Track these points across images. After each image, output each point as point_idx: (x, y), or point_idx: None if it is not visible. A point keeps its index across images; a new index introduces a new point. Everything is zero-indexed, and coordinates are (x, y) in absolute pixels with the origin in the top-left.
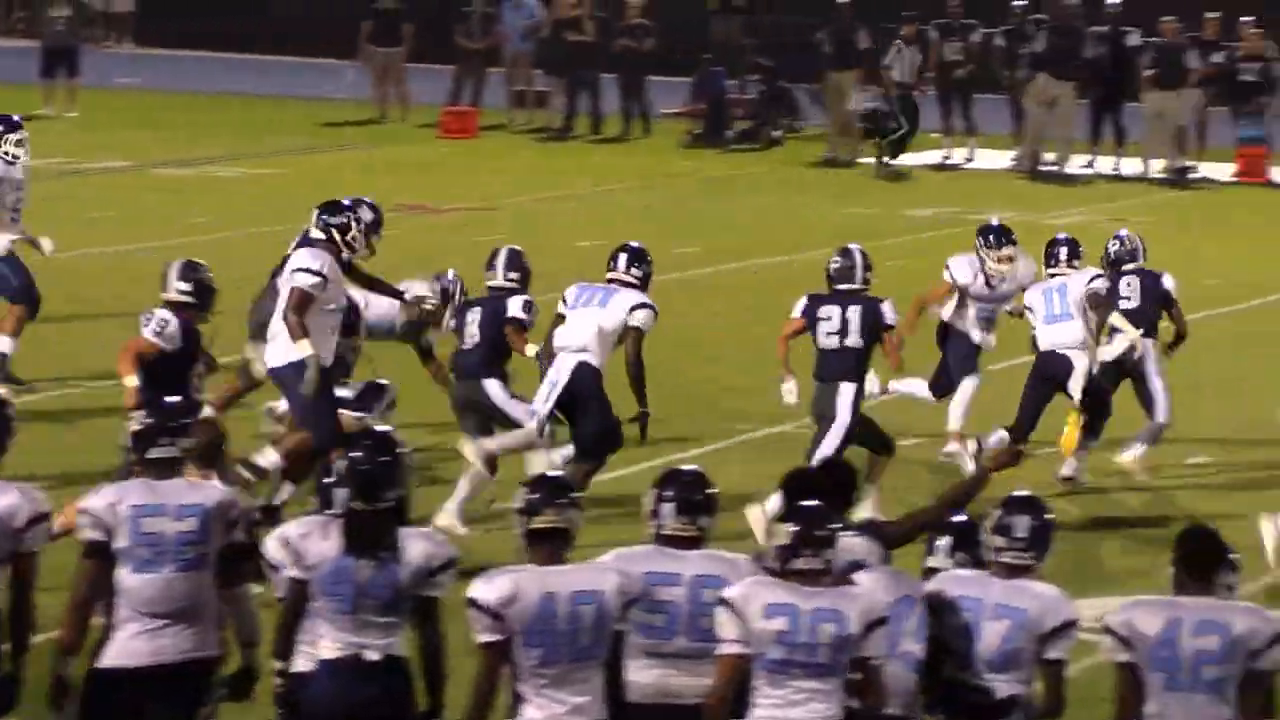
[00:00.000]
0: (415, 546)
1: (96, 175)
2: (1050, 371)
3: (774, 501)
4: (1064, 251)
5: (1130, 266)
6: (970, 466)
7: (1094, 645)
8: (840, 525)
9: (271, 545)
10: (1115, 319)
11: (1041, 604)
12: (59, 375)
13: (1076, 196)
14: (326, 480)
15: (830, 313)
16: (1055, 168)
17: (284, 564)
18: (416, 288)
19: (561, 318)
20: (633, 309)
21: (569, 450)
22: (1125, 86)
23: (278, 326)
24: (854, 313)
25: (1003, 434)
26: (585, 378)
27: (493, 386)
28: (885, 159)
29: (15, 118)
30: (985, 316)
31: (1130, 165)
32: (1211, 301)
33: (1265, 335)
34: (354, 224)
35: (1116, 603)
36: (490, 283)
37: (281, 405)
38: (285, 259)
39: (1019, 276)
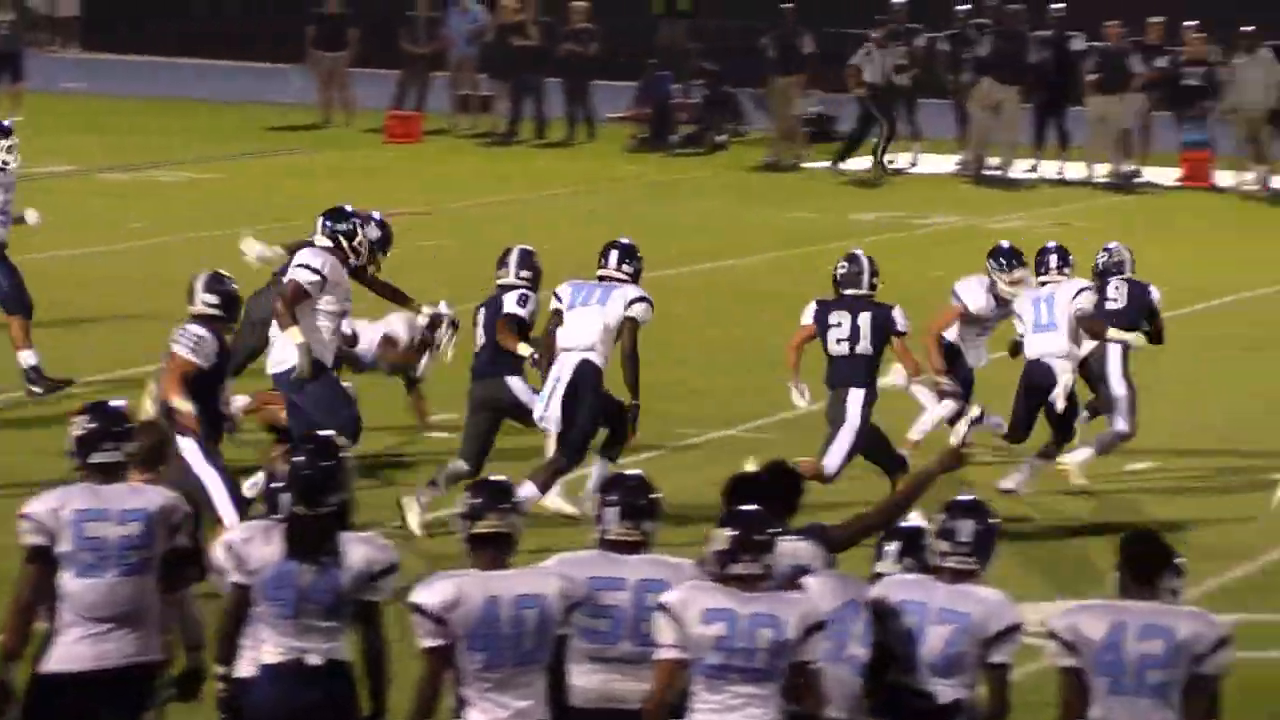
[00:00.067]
0: (357, 551)
1: (42, 180)
2: (1037, 380)
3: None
4: (1054, 259)
5: (1117, 278)
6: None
7: (1038, 649)
8: (781, 530)
9: (216, 550)
10: (1113, 333)
11: (985, 608)
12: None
13: (1020, 201)
14: (274, 485)
15: (840, 319)
16: (999, 172)
17: (226, 569)
18: (395, 323)
19: (559, 316)
20: (631, 303)
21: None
22: (1069, 91)
23: (281, 336)
24: (864, 319)
25: (998, 420)
26: (587, 375)
27: (516, 384)
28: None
29: (5, 123)
30: (981, 334)
31: (1074, 170)
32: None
33: (1209, 339)
34: (359, 230)
35: (1061, 607)
36: (501, 281)
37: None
38: (286, 266)
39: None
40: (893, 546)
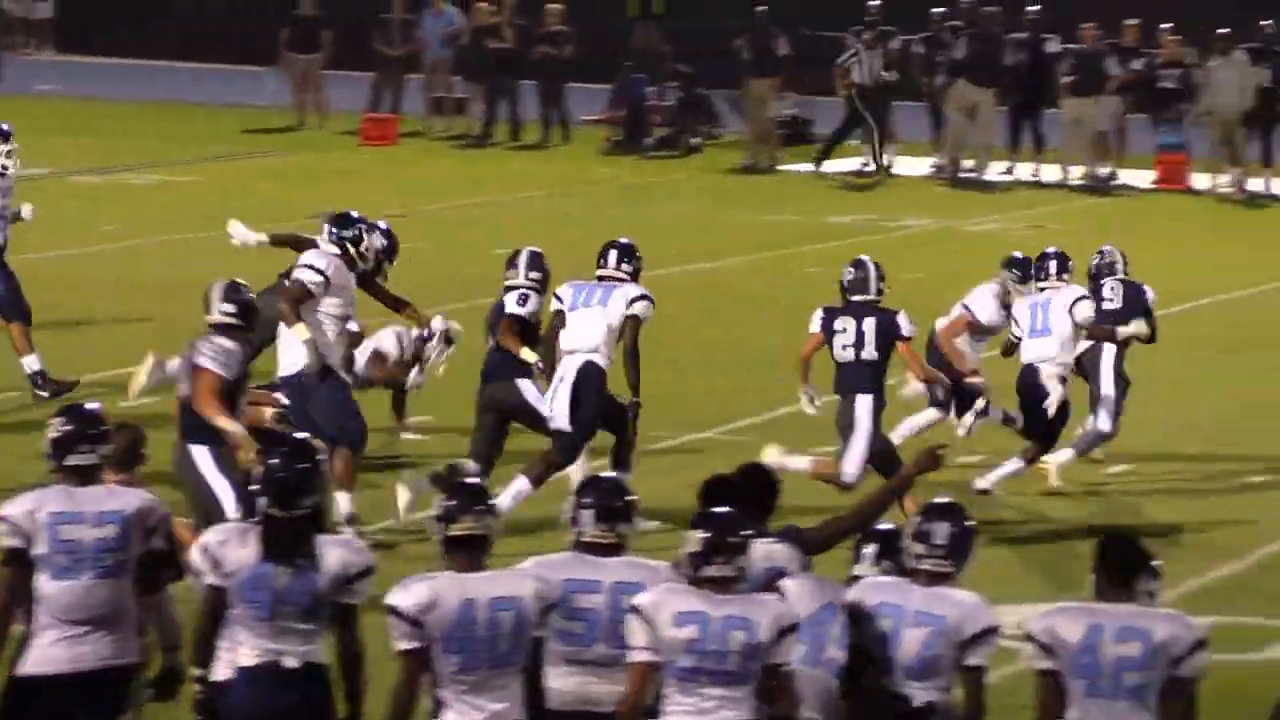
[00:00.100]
0: (333, 554)
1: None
2: (1031, 385)
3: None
4: (1053, 265)
5: (1112, 279)
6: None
7: (1015, 652)
8: (755, 532)
9: (193, 552)
10: (1124, 330)
11: (961, 611)
12: None
13: (995, 203)
14: (251, 488)
15: (845, 325)
16: (974, 174)
17: (202, 571)
18: (385, 339)
19: (561, 317)
20: (632, 300)
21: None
22: (1044, 93)
23: (288, 337)
24: (869, 325)
25: (1000, 414)
26: (590, 376)
27: (526, 386)
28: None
29: (5, 127)
30: (982, 339)
31: (1049, 172)
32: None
33: (1184, 340)
34: (365, 235)
35: (1037, 609)
36: (510, 282)
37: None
38: (292, 267)
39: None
40: (870, 549)
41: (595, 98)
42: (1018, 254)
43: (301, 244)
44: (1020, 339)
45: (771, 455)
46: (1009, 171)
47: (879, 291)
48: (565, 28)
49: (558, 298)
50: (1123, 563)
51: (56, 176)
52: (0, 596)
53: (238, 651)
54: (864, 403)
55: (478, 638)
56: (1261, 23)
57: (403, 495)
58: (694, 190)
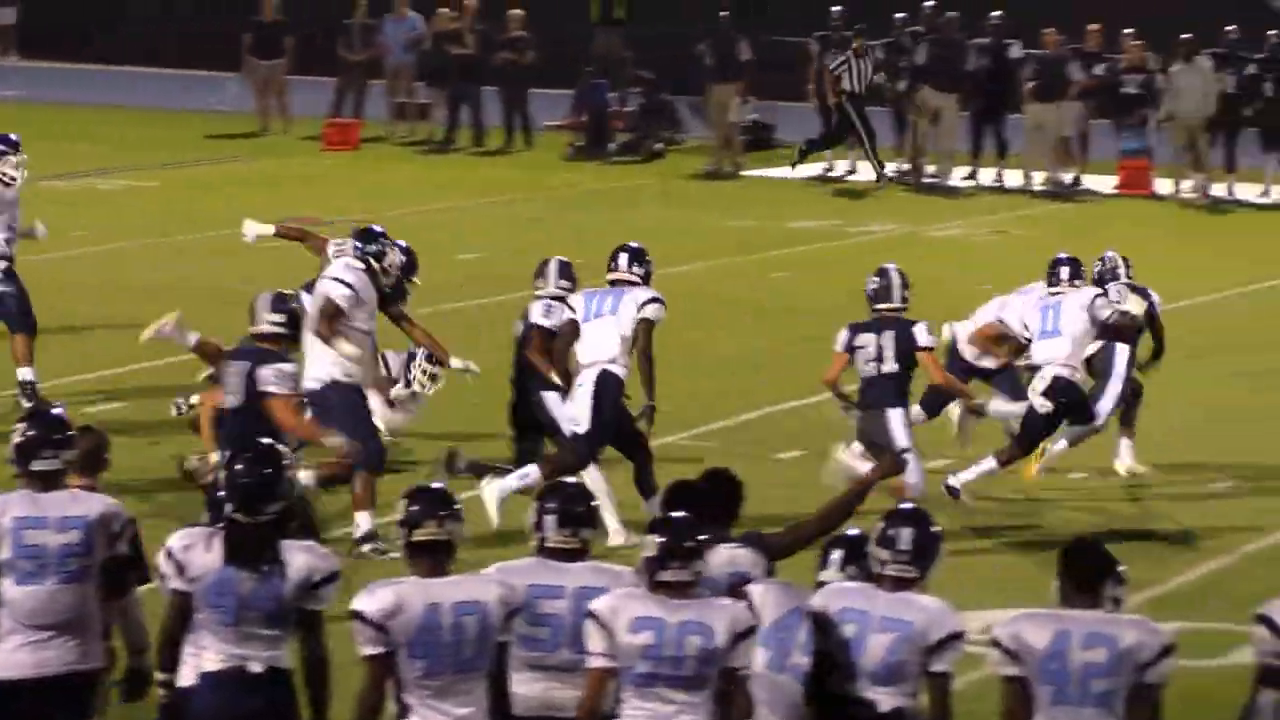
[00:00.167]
0: (298, 559)
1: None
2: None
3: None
4: (1065, 271)
5: (1113, 284)
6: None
7: (981, 658)
8: (712, 537)
9: (159, 557)
10: (1131, 303)
11: (927, 616)
12: None
13: (959, 209)
14: (220, 494)
15: (866, 340)
16: (937, 180)
17: (167, 575)
18: (391, 359)
19: (575, 327)
20: (643, 304)
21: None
22: (1007, 99)
23: (315, 348)
24: (887, 338)
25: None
26: (609, 386)
27: (550, 399)
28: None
29: (14, 138)
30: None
31: (1012, 177)
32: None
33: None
34: (389, 250)
35: (1003, 615)
36: (539, 291)
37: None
38: (312, 281)
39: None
40: (837, 554)
41: (558, 103)
42: (1062, 254)
43: (307, 239)
44: (1029, 340)
45: (843, 458)
46: (972, 177)
47: (903, 299)
48: (527, 33)
49: (570, 308)
50: (1088, 569)
51: (25, 182)
52: None
53: (203, 656)
54: (895, 416)
55: (443, 642)
56: (1226, 28)
57: (491, 503)
58: (657, 196)
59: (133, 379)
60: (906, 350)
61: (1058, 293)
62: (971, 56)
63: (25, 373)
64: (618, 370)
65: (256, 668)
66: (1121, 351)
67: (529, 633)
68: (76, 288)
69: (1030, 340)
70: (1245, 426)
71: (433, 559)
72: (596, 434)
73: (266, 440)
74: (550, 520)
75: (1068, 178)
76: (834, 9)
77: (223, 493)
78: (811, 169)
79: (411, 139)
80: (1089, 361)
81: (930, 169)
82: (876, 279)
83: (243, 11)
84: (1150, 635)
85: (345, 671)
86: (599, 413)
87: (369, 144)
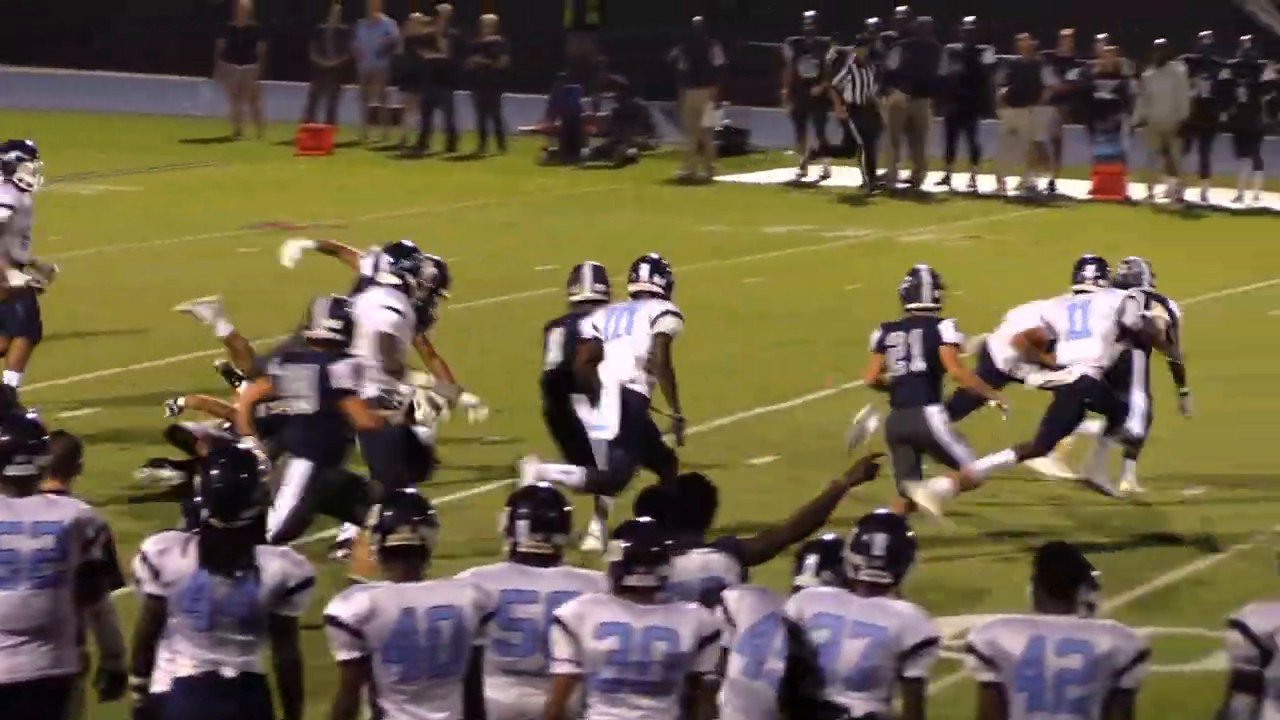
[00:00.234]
0: (273, 565)
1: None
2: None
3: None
4: (1091, 270)
5: (1135, 290)
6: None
7: (955, 663)
8: (694, 543)
9: (134, 561)
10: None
11: (901, 622)
12: None
13: (932, 214)
14: (195, 500)
15: (896, 339)
16: (910, 185)
17: (142, 579)
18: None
19: (599, 344)
20: (656, 318)
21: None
22: (980, 104)
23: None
24: (915, 337)
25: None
26: (633, 404)
27: (579, 404)
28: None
29: (31, 144)
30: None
31: (986, 182)
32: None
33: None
34: (422, 264)
35: (978, 621)
36: (575, 297)
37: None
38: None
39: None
40: (812, 559)
41: (531, 108)
42: (1088, 254)
43: (340, 253)
44: (1055, 341)
45: (938, 487)
46: (945, 182)
47: (934, 299)
48: (500, 38)
49: (594, 326)
50: (1062, 574)
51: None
52: None
53: (176, 661)
54: (933, 413)
55: (418, 647)
56: (1200, 33)
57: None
58: (630, 200)
59: (109, 386)
60: (933, 348)
61: (1083, 291)
62: (945, 61)
63: (12, 376)
64: (639, 389)
65: (230, 673)
66: (1139, 358)
67: (502, 637)
68: (69, 290)
69: (1054, 341)
70: (1219, 431)
71: (407, 564)
72: (629, 450)
73: (243, 445)
74: (522, 525)
75: (1042, 183)
76: (807, 14)
77: (198, 499)
78: (783, 174)
79: (385, 144)
80: (1105, 372)
81: (903, 174)
82: (908, 278)
83: (216, 16)
84: (1125, 640)
85: (319, 676)
86: (630, 427)
87: (342, 149)
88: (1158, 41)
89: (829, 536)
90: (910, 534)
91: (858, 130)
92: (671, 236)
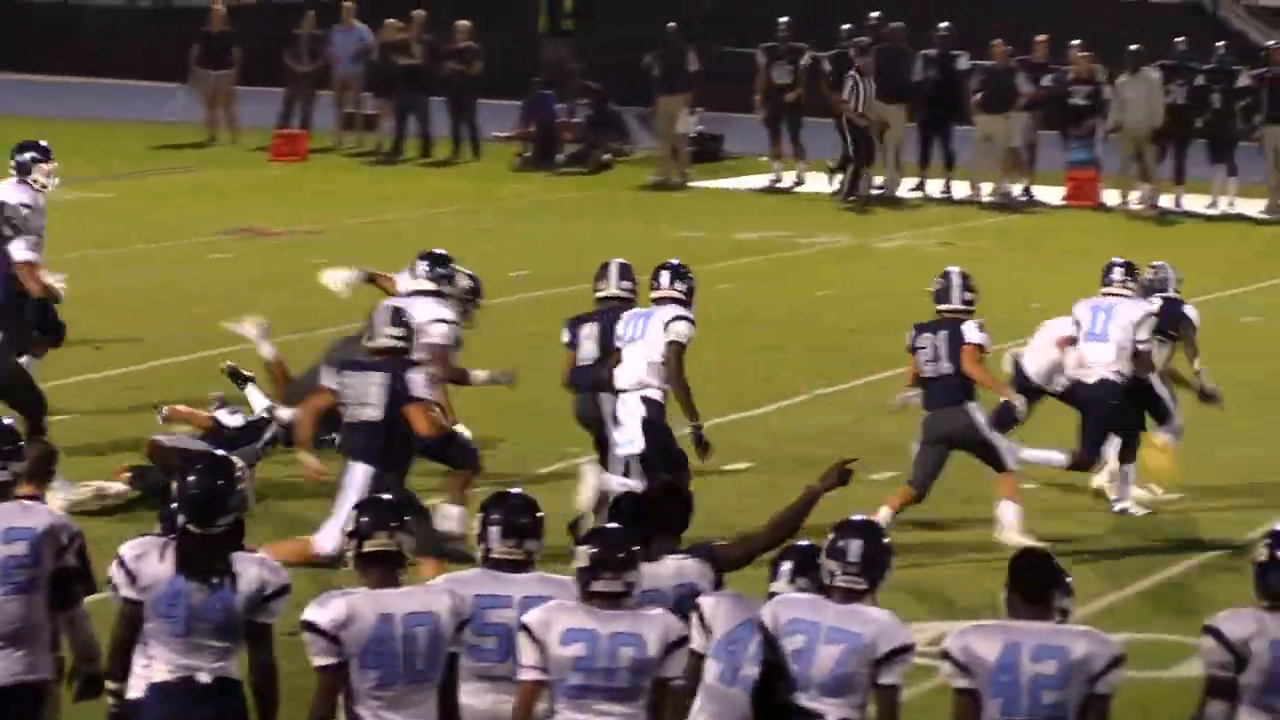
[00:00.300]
0: (250, 572)
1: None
2: (1081, 394)
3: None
4: (1118, 273)
5: (1160, 296)
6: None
7: (930, 669)
8: (669, 549)
9: (111, 565)
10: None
11: (876, 628)
12: None
13: (906, 220)
14: (172, 505)
15: (925, 341)
16: (885, 191)
17: (119, 584)
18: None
19: (619, 352)
20: (668, 324)
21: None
22: (955, 110)
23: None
24: (942, 338)
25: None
26: (653, 416)
27: (606, 402)
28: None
29: (45, 145)
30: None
31: (960, 188)
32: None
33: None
34: (457, 275)
35: (953, 627)
36: (602, 294)
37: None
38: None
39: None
40: (787, 565)
41: (505, 114)
42: (1117, 258)
43: (378, 279)
44: (1079, 342)
45: (1009, 516)
46: (919, 188)
47: (965, 301)
48: (474, 44)
49: (619, 335)
50: (1036, 580)
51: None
52: None
53: (152, 667)
54: (974, 408)
55: (394, 653)
56: (1175, 39)
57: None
58: (606, 206)
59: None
60: (959, 349)
61: (1111, 293)
62: (919, 67)
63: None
64: (654, 395)
65: (205, 678)
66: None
67: (476, 643)
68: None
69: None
70: (1192, 438)
71: (382, 570)
72: (658, 461)
73: (220, 452)
74: (494, 531)
75: (1016, 189)
76: (781, 20)
77: (175, 504)
78: (757, 180)
79: (359, 149)
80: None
81: (878, 180)
82: (939, 280)
83: (191, 22)
84: (1100, 646)
85: (294, 682)
86: (654, 439)
87: (317, 154)
88: (1132, 48)
89: (804, 543)
90: (886, 540)
91: (852, 142)
92: (646, 242)
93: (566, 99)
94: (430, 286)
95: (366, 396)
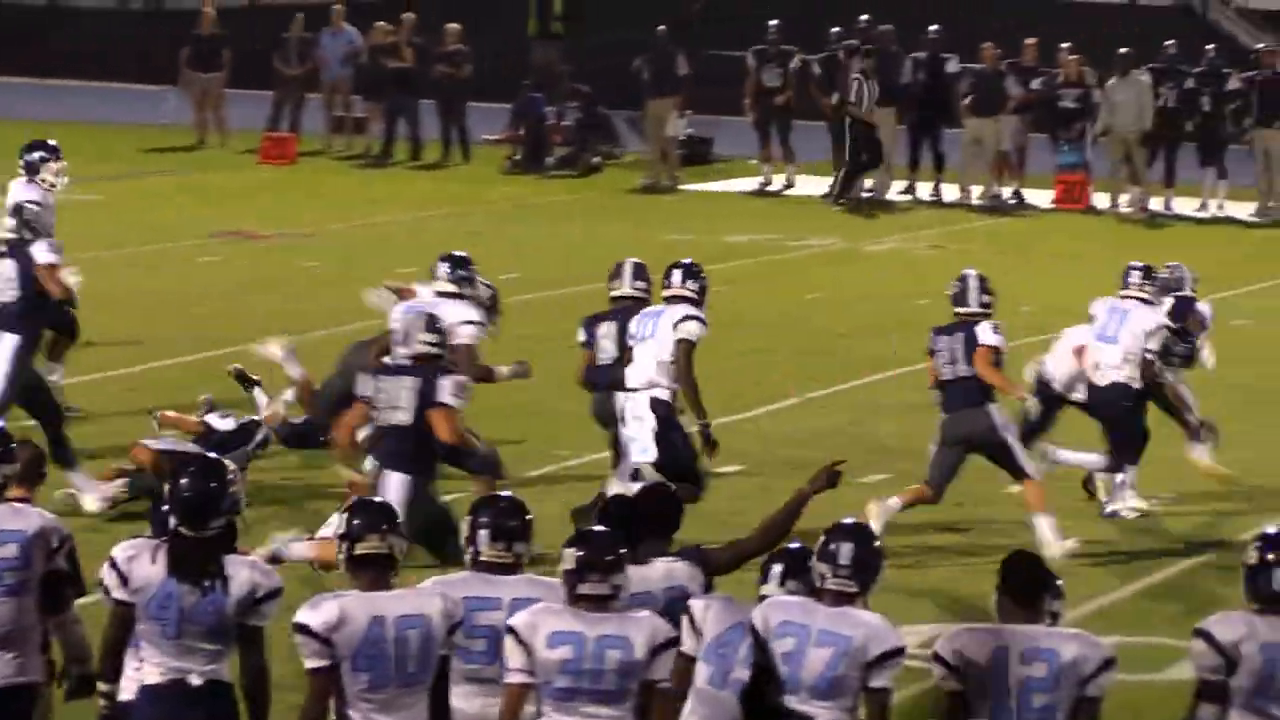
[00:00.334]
0: (241, 574)
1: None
2: (1103, 399)
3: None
4: (1136, 276)
5: (1174, 295)
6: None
7: (921, 672)
8: (659, 552)
9: (103, 567)
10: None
11: (867, 631)
12: None
13: (896, 223)
14: (163, 507)
15: (942, 344)
16: (874, 194)
17: (110, 586)
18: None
19: (630, 351)
20: (677, 323)
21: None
22: (944, 113)
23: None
24: (958, 340)
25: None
26: (661, 412)
27: (621, 401)
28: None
29: (54, 143)
30: None
31: (950, 192)
32: (1025, 329)
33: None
34: (476, 276)
35: (944, 630)
36: (615, 293)
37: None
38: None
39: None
40: (777, 568)
41: (495, 117)
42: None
43: (402, 294)
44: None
45: (1048, 533)
46: (909, 191)
47: (982, 305)
48: (464, 47)
49: (630, 334)
50: (1026, 582)
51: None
52: None
53: (143, 668)
54: (994, 410)
55: (386, 655)
56: (1165, 43)
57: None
58: (596, 210)
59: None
60: (974, 351)
61: (1129, 296)
62: (908, 70)
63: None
64: (661, 394)
65: (196, 681)
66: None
67: (464, 645)
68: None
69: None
70: (1181, 441)
71: (374, 572)
72: (673, 464)
73: (212, 455)
74: (483, 535)
75: (1006, 192)
76: (771, 23)
77: (165, 506)
78: (747, 183)
79: (349, 152)
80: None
81: (867, 183)
82: (955, 283)
83: (180, 24)
84: (1091, 648)
85: (284, 685)
86: (668, 443)
87: (306, 157)
88: (1121, 51)
89: (794, 545)
90: (877, 543)
91: (851, 142)
92: (635, 246)
93: (556, 102)
94: (452, 289)
95: (398, 400)
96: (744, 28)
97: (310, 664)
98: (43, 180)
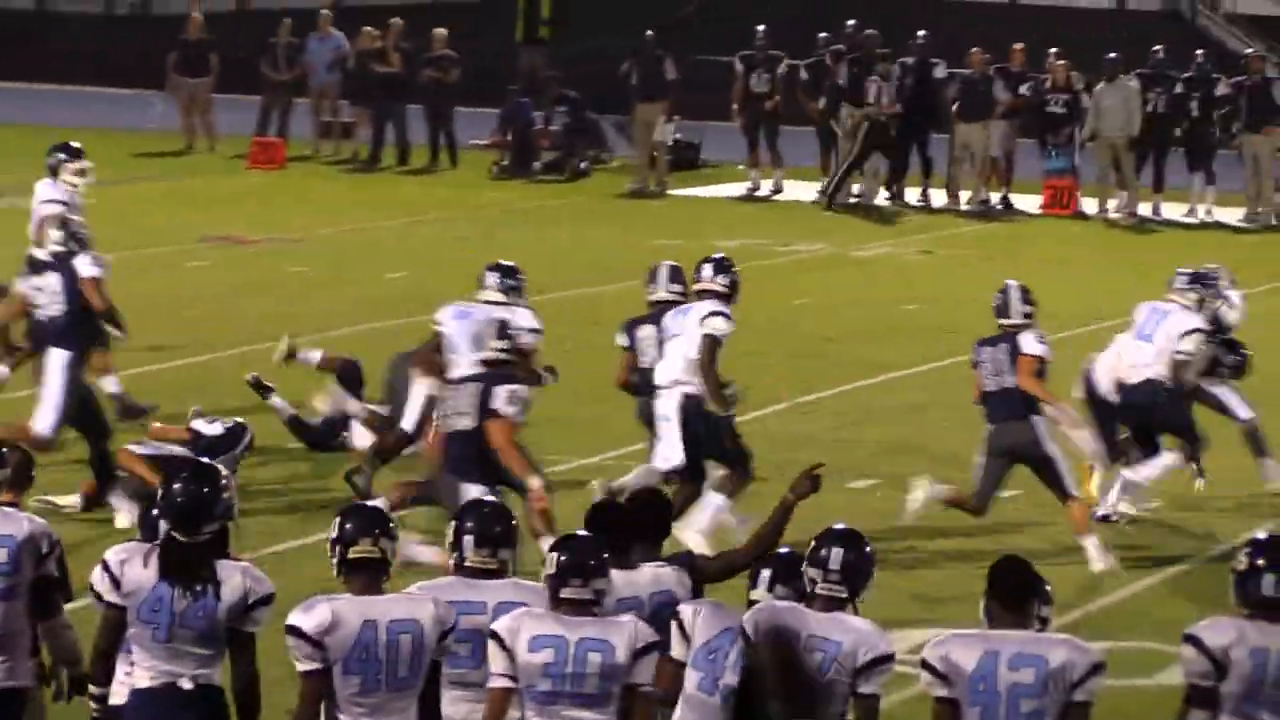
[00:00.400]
0: (233, 580)
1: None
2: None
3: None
4: (1182, 280)
5: (1210, 294)
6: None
7: (910, 677)
8: (648, 558)
9: (95, 570)
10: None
11: (856, 637)
12: None
13: (884, 229)
14: (154, 511)
15: (985, 355)
16: (863, 199)
17: (102, 589)
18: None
19: (663, 347)
20: (704, 319)
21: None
22: (932, 118)
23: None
24: (1002, 351)
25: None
26: (691, 410)
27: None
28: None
29: (76, 145)
30: None
31: (938, 197)
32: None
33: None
34: (524, 285)
35: (932, 636)
36: (652, 297)
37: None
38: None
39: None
40: (766, 573)
41: (483, 122)
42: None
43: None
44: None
45: (1094, 547)
46: (898, 196)
47: (1024, 315)
48: (451, 52)
49: (664, 328)
50: (1015, 587)
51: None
52: None
53: (135, 672)
54: (1039, 422)
55: (377, 660)
56: (1153, 48)
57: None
58: (584, 214)
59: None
60: (1016, 361)
61: (1172, 299)
62: (895, 75)
63: (110, 383)
64: (692, 390)
65: (187, 685)
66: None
67: (451, 649)
68: None
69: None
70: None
71: (367, 576)
72: (732, 450)
73: (204, 460)
74: (468, 540)
75: (994, 197)
76: (758, 28)
77: (156, 510)
78: (735, 188)
79: (336, 157)
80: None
81: (856, 188)
82: (998, 295)
83: (168, 29)
84: (1079, 654)
85: (276, 688)
86: (705, 444)
87: (294, 162)
88: (1109, 56)
89: (784, 550)
90: (868, 549)
91: (858, 143)
92: (623, 250)
93: (544, 107)
94: (501, 298)
95: (462, 406)
96: (731, 33)
97: (302, 667)
98: (64, 181)
